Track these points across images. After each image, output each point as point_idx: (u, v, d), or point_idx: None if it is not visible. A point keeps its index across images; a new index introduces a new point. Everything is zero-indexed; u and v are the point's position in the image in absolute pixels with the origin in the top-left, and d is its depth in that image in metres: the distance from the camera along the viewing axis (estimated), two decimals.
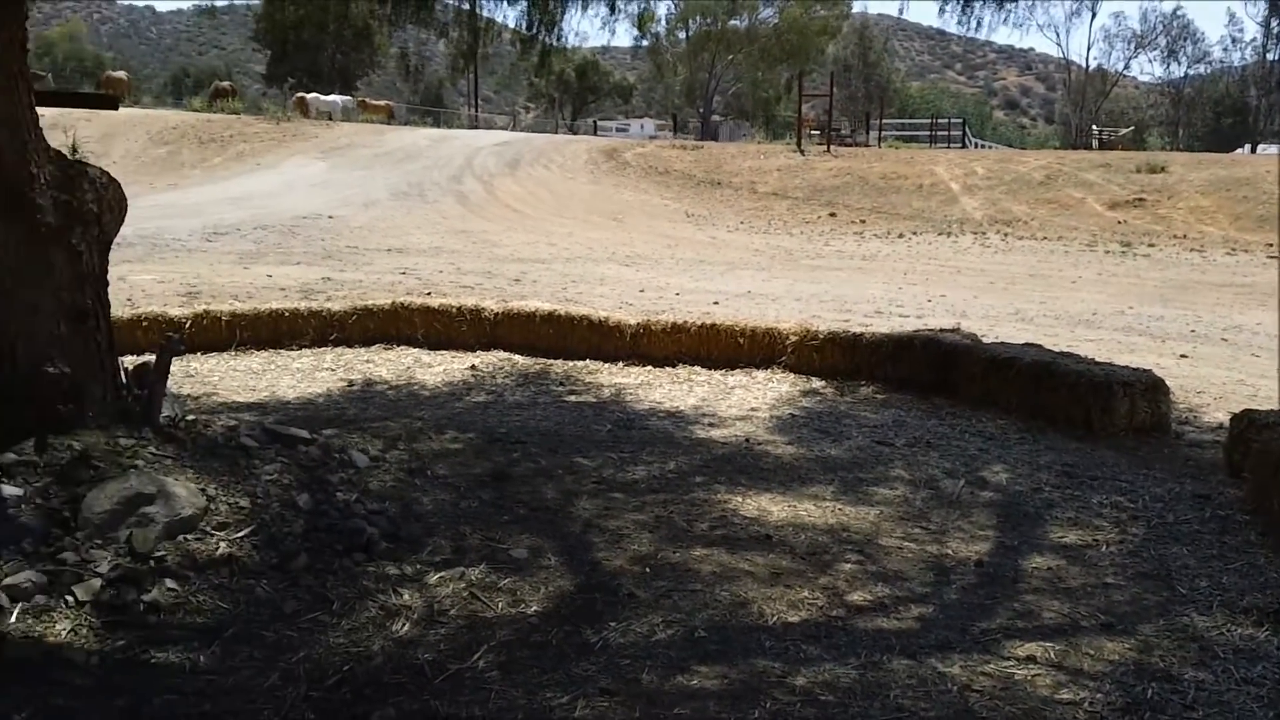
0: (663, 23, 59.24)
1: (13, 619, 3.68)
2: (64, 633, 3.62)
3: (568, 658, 3.63)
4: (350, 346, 9.29)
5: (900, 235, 22.57)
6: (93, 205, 4.89)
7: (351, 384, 8.06)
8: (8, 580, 3.82)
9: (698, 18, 59.26)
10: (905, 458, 6.29)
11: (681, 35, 61.78)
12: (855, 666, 3.59)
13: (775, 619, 3.99)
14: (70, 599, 3.79)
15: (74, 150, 5.54)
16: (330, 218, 20.63)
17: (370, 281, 13.16)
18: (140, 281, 11.87)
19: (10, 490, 4.20)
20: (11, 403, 4.51)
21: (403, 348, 9.32)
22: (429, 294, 11.38)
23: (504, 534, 4.73)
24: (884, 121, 47.80)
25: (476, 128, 48.72)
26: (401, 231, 19.54)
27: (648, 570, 4.41)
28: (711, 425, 6.97)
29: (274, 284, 12.62)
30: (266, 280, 12.91)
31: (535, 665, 3.57)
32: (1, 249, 4.52)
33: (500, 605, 4.02)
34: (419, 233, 19.54)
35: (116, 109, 33.01)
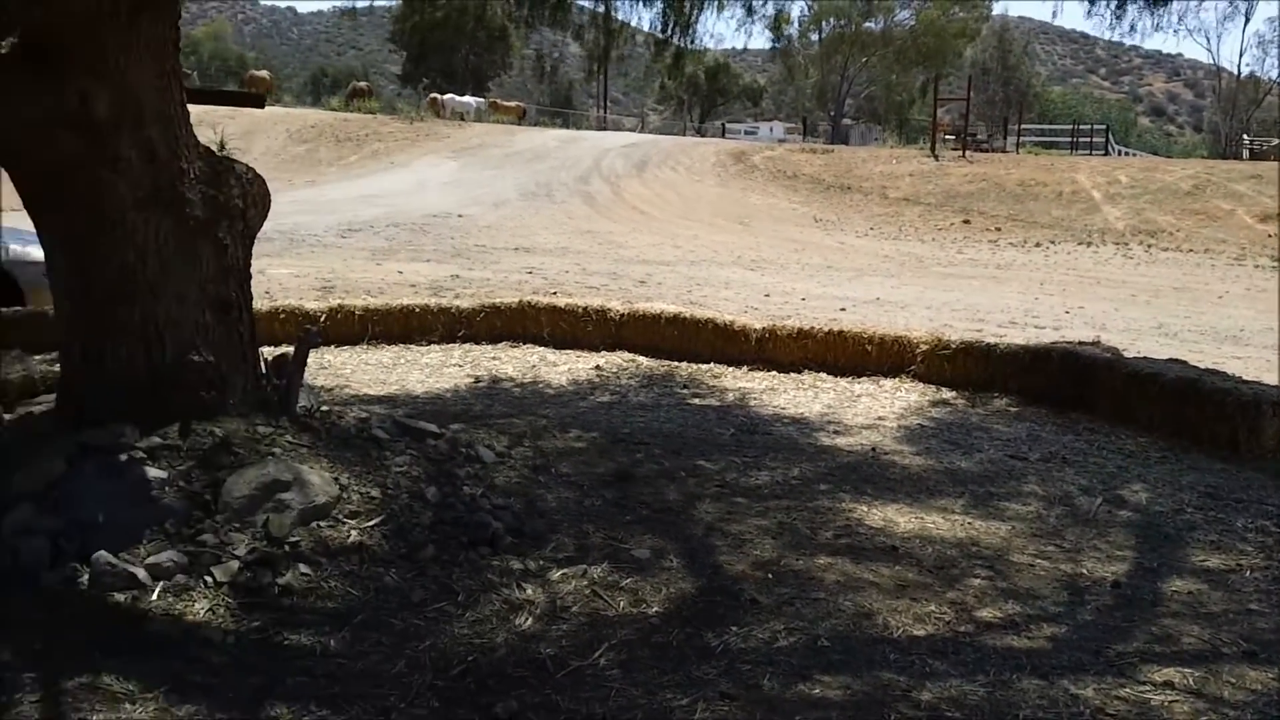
0: (795, 24, 58.61)
1: (154, 597, 3.83)
2: (202, 612, 3.75)
3: (688, 660, 3.61)
4: (477, 343, 9.43)
5: (1037, 244, 21.95)
6: (238, 200, 5.05)
7: (478, 380, 8.19)
8: (150, 559, 3.97)
9: (831, 20, 58.54)
10: (1039, 473, 6.10)
11: (814, 37, 61.13)
12: (983, 684, 3.49)
13: (900, 632, 3.91)
14: (209, 579, 3.92)
15: (221, 146, 5.75)
16: (460, 216, 21.04)
17: (498, 280, 13.37)
18: (278, 275, 12.28)
19: (155, 473, 4.37)
20: (159, 389, 4.69)
21: (529, 346, 9.41)
22: (555, 293, 11.50)
23: (626, 534, 4.74)
24: (1023, 127, 46.41)
25: (604, 129, 49.12)
26: (529, 231, 19.82)
27: (770, 576, 4.36)
28: (837, 433, 6.87)
29: (405, 280, 12.92)
30: (397, 276, 13.23)
31: (655, 666, 3.56)
32: (153, 241, 4.69)
33: (622, 604, 4.03)
34: (546, 232, 19.78)
35: (262, 107, 34.32)
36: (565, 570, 4.29)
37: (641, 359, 8.97)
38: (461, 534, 4.47)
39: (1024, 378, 7.95)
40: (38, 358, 6.70)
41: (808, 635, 3.84)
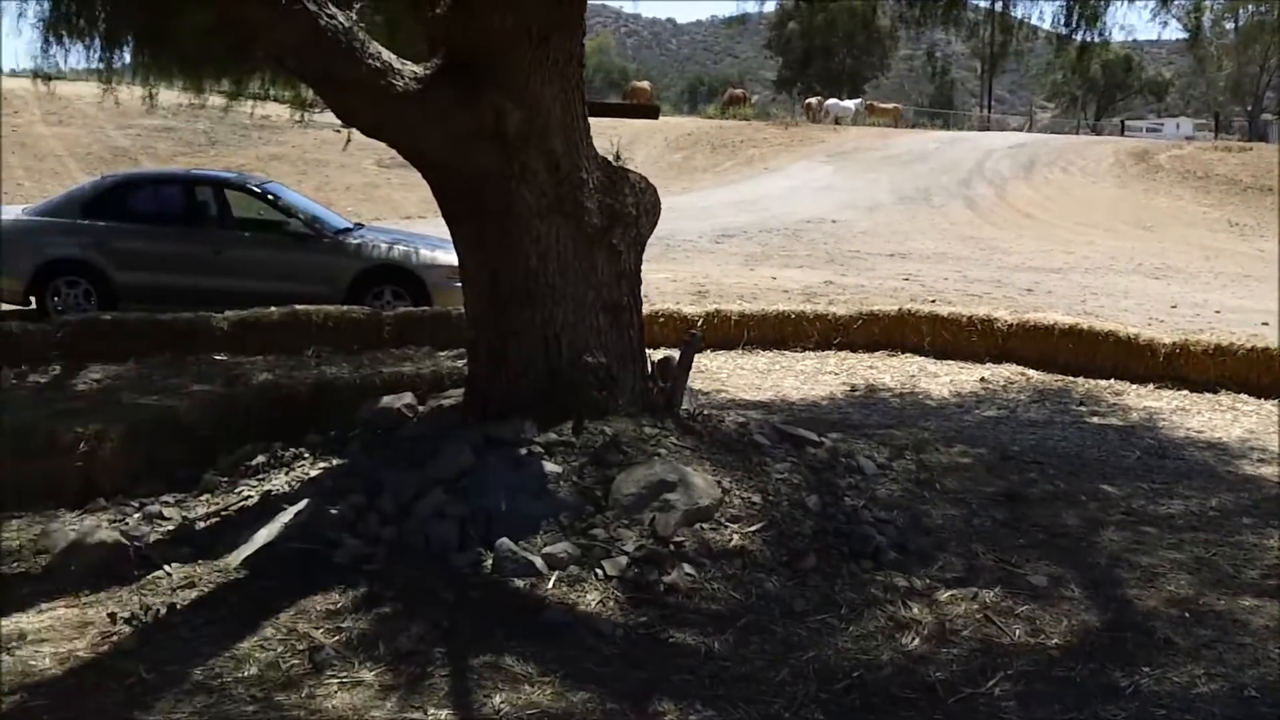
0: (1208, 13, 53.30)
1: (549, 585, 4.01)
2: (593, 603, 3.89)
3: (1092, 697, 3.33)
4: (853, 351, 9.26)
5: None
6: (632, 208, 5.22)
7: (854, 389, 8.04)
8: (547, 549, 4.18)
9: (1250, 6, 52.96)
10: None
11: (1229, 25, 55.56)
12: None
13: None
14: (599, 572, 4.07)
15: (617, 157, 6.03)
16: (833, 221, 20.87)
17: (872, 286, 13.13)
18: (655, 279, 12.65)
19: (551, 467, 4.59)
20: (556, 387, 4.94)
21: (907, 355, 9.13)
22: (933, 301, 11.13)
23: (1020, 558, 4.44)
24: None
25: (987, 129, 47.11)
26: (904, 236, 19.32)
27: (1187, 615, 3.94)
28: (1262, 461, 6.14)
29: (777, 286, 12.97)
30: (770, 282, 13.31)
31: (1056, 701, 3.31)
32: (554, 248, 4.94)
33: (1017, 632, 3.78)
34: (923, 238, 19.21)
35: (656, 118, 36.10)
36: (954, 591, 4.08)
37: (1031, 372, 8.47)
38: (843, 545, 4.37)
39: None
40: (444, 354, 7.27)
41: (1232, 683, 3.45)
